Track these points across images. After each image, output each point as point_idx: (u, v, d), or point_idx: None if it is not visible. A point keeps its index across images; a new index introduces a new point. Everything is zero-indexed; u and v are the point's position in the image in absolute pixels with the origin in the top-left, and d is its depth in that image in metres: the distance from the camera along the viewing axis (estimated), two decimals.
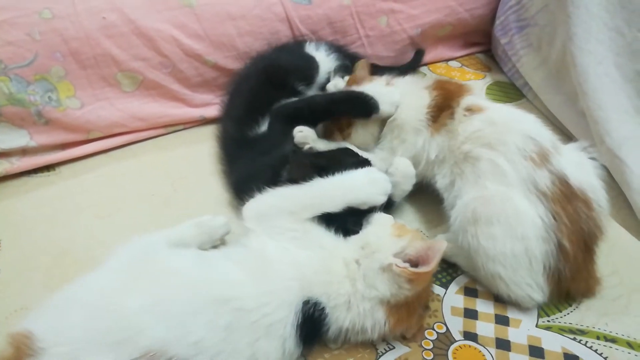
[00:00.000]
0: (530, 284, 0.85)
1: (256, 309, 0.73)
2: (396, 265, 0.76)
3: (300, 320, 0.75)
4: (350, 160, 0.93)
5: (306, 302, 0.76)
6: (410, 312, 0.80)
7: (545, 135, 0.91)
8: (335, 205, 0.84)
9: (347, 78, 1.16)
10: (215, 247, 0.95)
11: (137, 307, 0.69)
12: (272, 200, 0.84)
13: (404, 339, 0.84)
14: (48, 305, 0.72)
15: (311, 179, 0.85)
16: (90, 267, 0.85)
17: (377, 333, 0.79)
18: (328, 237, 0.82)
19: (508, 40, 1.37)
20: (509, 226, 0.83)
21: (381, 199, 0.86)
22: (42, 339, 0.66)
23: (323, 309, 0.77)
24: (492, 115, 0.94)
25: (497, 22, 1.42)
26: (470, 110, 0.95)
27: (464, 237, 0.87)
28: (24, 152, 1.14)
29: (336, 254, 0.81)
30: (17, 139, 1.12)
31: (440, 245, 0.76)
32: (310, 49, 1.23)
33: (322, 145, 1.05)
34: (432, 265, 0.75)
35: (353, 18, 1.34)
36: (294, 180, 0.86)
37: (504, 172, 0.86)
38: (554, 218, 0.82)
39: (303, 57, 1.20)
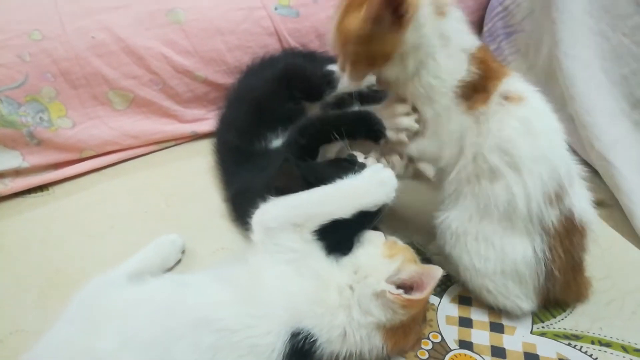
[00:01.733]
0: (519, 296, 0.85)
1: (240, 330, 0.71)
2: (389, 292, 0.75)
3: (287, 350, 0.73)
4: (345, 173, 0.85)
5: (296, 334, 0.73)
6: (407, 332, 0.80)
7: (569, 164, 0.84)
8: (345, 211, 0.80)
9: None
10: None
11: (112, 348, 0.68)
12: (278, 211, 0.80)
13: (398, 354, 0.83)
14: None
15: (296, 190, 0.82)
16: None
17: (375, 356, 0.79)
18: (326, 265, 0.80)
19: (496, 47, 1.38)
20: (503, 252, 0.83)
21: (391, 197, 0.83)
22: None
23: (314, 341, 0.75)
24: (530, 117, 0.80)
25: (485, 29, 1.43)
26: (507, 98, 0.81)
27: (454, 250, 0.87)
28: (16, 173, 1.15)
29: (330, 281, 0.79)
30: (10, 160, 1.13)
31: (435, 273, 0.75)
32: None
33: None
34: (426, 293, 0.75)
35: None
36: (279, 189, 0.83)
37: (515, 206, 0.80)
38: (550, 250, 0.81)
39: (324, 68, 1.10)
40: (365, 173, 0.83)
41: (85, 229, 1.07)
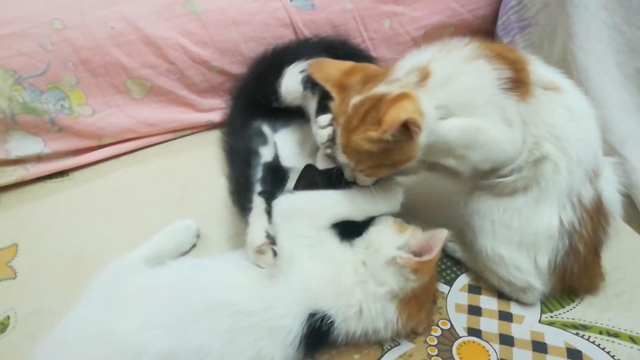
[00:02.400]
0: (531, 271, 0.86)
1: (258, 312, 0.74)
2: (399, 257, 0.78)
3: (305, 331, 0.76)
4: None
5: (313, 315, 0.77)
6: (420, 306, 0.82)
7: (601, 150, 0.86)
8: (358, 215, 0.85)
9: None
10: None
11: (134, 328, 0.71)
12: (297, 202, 0.84)
13: (415, 334, 0.85)
14: (38, 354, 0.72)
15: None
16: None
17: (390, 331, 0.81)
18: (340, 249, 0.83)
19: (510, 40, 1.38)
20: (526, 222, 0.84)
21: (397, 209, 0.87)
22: None
23: (332, 322, 0.78)
24: (571, 103, 0.82)
25: (499, 22, 1.43)
26: (546, 87, 0.81)
27: (476, 215, 0.87)
28: (38, 158, 1.18)
29: (345, 263, 0.82)
30: (32, 146, 1.16)
31: (441, 234, 0.78)
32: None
33: None
34: (434, 253, 0.77)
35: (356, 21, 1.36)
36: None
37: (557, 181, 0.81)
38: (579, 224, 0.83)
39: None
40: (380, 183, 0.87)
41: (104, 214, 1.10)
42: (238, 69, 1.28)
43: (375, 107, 0.76)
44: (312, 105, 0.96)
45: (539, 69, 0.83)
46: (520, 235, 0.84)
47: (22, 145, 1.15)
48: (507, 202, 0.84)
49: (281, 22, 1.28)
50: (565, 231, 0.83)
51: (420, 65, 0.80)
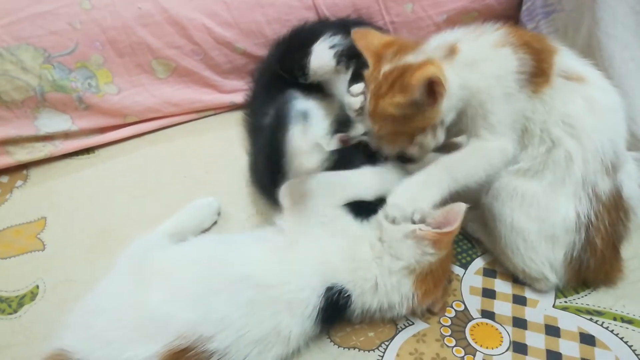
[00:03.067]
0: (545, 264, 0.86)
1: (277, 285, 0.76)
2: (419, 229, 0.79)
3: (323, 304, 0.78)
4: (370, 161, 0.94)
5: (330, 288, 0.79)
6: (436, 282, 0.83)
7: (624, 142, 0.87)
8: (368, 193, 0.88)
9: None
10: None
11: (159, 299, 0.74)
12: (310, 184, 0.86)
13: (431, 313, 0.87)
14: (71, 321, 0.75)
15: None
16: (126, 244, 0.91)
17: (405, 307, 0.83)
18: (355, 225, 0.85)
19: (534, 26, 1.36)
20: (545, 211, 0.84)
21: None
22: (77, 351, 0.70)
23: (349, 295, 0.80)
24: (594, 94, 0.83)
25: (524, 7, 1.41)
26: (569, 77, 0.83)
27: (496, 201, 0.88)
28: (66, 135, 1.22)
29: (362, 239, 0.84)
30: (61, 123, 1.19)
31: (459, 207, 0.79)
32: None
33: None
34: (455, 225, 0.78)
35: (379, 4, 1.35)
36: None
37: (572, 170, 0.82)
38: (596, 217, 0.83)
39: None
40: (389, 164, 0.91)
41: (129, 190, 1.13)
42: (261, 50, 1.29)
43: (402, 75, 0.81)
44: (342, 79, 1.03)
45: (566, 59, 0.85)
46: (539, 226, 0.85)
47: (51, 122, 1.18)
48: (525, 188, 0.85)
49: (304, 5, 1.29)
50: (582, 224, 0.83)
51: (449, 42, 0.85)
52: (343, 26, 1.15)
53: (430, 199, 0.82)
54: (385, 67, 0.84)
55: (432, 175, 0.84)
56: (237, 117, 1.30)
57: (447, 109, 0.83)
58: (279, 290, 0.76)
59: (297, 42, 1.13)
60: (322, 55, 1.02)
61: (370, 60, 0.88)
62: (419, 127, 0.85)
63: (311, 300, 0.77)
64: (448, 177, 0.84)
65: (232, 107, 1.34)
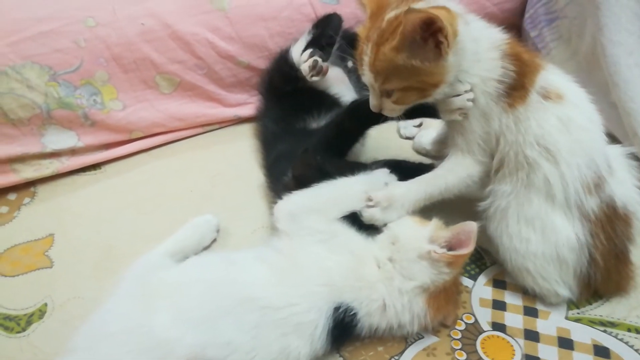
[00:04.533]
0: (558, 281, 0.85)
1: (284, 307, 0.75)
2: (434, 251, 0.78)
3: (331, 326, 0.77)
4: (358, 171, 0.93)
5: (337, 308, 0.78)
6: (448, 298, 0.83)
7: (607, 155, 0.86)
8: (360, 204, 0.87)
9: None
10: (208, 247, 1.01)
11: (164, 323, 0.73)
12: (300, 200, 0.86)
13: (444, 326, 0.86)
14: (75, 345, 0.75)
15: (313, 180, 0.87)
16: (134, 260, 0.91)
17: (417, 326, 0.82)
18: (358, 240, 0.84)
19: (538, 33, 1.36)
20: (544, 234, 0.84)
21: None
22: None
23: (355, 314, 0.79)
24: (570, 114, 0.82)
25: (527, 15, 1.41)
26: (547, 96, 0.82)
27: (495, 231, 0.88)
28: (72, 152, 1.22)
29: (367, 257, 0.83)
30: (67, 140, 1.20)
31: (471, 227, 0.78)
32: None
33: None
34: (471, 247, 0.78)
35: None
36: (296, 177, 0.90)
37: (554, 194, 0.82)
38: (591, 236, 0.83)
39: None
40: (376, 172, 0.91)
41: (135, 206, 1.13)
42: (265, 64, 1.30)
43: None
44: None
45: (551, 76, 0.84)
46: (543, 249, 0.84)
47: (57, 139, 1.19)
48: (520, 214, 0.84)
49: (307, 18, 1.30)
50: (582, 243, 0.83)
51: (463, 13, 0.81)
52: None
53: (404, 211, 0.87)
54: (390, 14, 0.78)
55: (411, 191, 0.88)
56: (242, 130, 1.30)
57: (457, 62, 0.78)
58: (286, 313, 0.75)
59: (278, 61, 1.21)
60: (300, 46, 1.12)
61: (369, 7, 0.82)
62: (429, 83, 0.79)
63: (320, 322, 0.76)
64: (424, 194, 0.88)
65: (237, 121, 1.34)
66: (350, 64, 1.22)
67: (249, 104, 1.33)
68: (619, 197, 0.84)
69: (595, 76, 1.17)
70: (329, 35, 1.13)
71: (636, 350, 0.82)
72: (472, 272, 0.95)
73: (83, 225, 1.09)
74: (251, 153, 1.23)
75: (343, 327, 0.78)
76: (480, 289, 0.93)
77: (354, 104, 1.03)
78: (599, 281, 0.86)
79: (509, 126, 0.83)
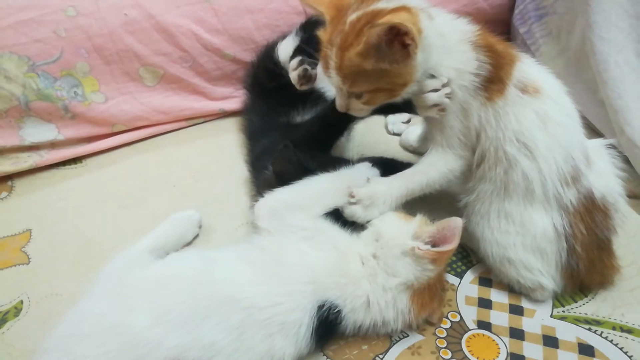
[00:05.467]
0: (542, 272, 0.85)
1: (268, 307, 0.73)
2: (418, 248, 0.77)
3: (315, 324, 0.75)
4: (339, 165, 0.92)
5: (321, 306, 0.76)
6: (432, 295, 0.81)
7: (584, 148, 0.86)
8: (343, 199, 0.85)
9: None
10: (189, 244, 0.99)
11: (144, 324, 0.70)
12: (282, 197, 0.85)
13: (429, 324, 0.85)
14: (49, 346, 0.71)
15: (293, 175, 0.86)
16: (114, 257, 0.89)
17: (401, 323, 0.80)
18: (341, 236, 0.83)
19: (527, 30, 1.36)
20: (523, 226, 0.84)
21: None
22: None
23: (339, 311, 0.77)
24: (548, 110, 0.82)
25: (516, 11, 1.41)
26: (525, 90, 0.81)
27: (477, 227, 0.88)
28: (52, 145, 1.19)
29: (351, 253, 0.81)
30: (46, 132, 1.17)
31: (455, 223, 0.77)
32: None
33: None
34: (455, 243, 0.76)
35: None
36: (276, 173, 0.89)
37: (532, 189, 0.82)
38: (571, 227, 0.83)
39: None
40: (358, 167, 0.90)
41: (116, 201, 1.10)
42: (250, 56, 1.28)
43: (371, 21, 0.74)
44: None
45: (527, 68, 0.83)
46: (522, 239, 0.84)
47: (36, 132, 1.16)
48: (499, 209, 0.85)
49: (294, 10, 1.28)
50: (561, 234, 0.83)
51: (427, 7, 0.80)
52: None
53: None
54: (352, 16, 0.77)
55: (392, 187, 0.87)
56: (228, 124, 1.28)
57: (424, 59, 0.77)
58: (270, 313, 0.73)
59: (263, 58, 1.18)
60: (287, 46, 1.09)
61: (327, 15, 0.80)
62: (398, 84, 0.79)
63: (304, 320, 0.75)
64: (405, 190, 0.87)
65: (222, 115, 1.32)
66: None
67: (235, 97, 1.30)
68: (598, 188, 0.84)
69: (584, 73, 1.17)
70: (317, 41, 1.10)
71: (620, 349, 0.81)
72: (459, 270, 0.94)
73: (62, 221, 1.07)
74: (236, 148, 1.21)
75: (327, 325, 0.77)
76: (466, 287, 0.92)
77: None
78: (583, 272, 0.85)
79: (489, 121, 0.82)
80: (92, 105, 1.19)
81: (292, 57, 1.04)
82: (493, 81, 0.80)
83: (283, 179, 0.86)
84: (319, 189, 0.86)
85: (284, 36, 1.17)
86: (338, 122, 1.00)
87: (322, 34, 0.81)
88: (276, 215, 0.83)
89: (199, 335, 0.70)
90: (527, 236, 0.84)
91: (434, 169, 0.87)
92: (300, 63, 1.01)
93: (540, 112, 0.81)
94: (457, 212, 0.87)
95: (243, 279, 0.76)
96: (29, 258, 0.99)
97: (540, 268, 0.85)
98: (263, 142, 1.07)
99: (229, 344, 0.71)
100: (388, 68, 0.75)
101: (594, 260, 0.85)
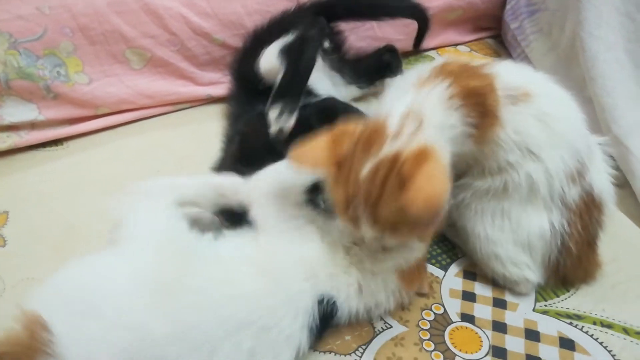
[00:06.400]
0: (529, 266, 0.85)
1: (275, 324, 0.70)
2: None
3: (316, 322, 0.74)
4: None
5: (320, 301, 0.74)
6: (419, 267, 0.81)
7: (589, 139, 0.85)
8: None
9: None
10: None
11: (163, 336, 0.63)
12: (270, 180, 0.81)
13: (420, 295, 0.86)
14: (59, 286, 0.67)
15: (258, 141, 0.85)
16: (96, 242, 0.87)
17: (393, 301, 0.80)
18: (328, 224, 0.80)
19: (518, 25, 1.36)
20: (519, 224, 0.83)
21: None
22: (61, 342, 0.61)
23: (334, 302, 0.76)
24: (544, 108, 0.79)
25: (508, 6, 1.41)
26: (515, 100, 0.78)
27: (469, 222, 0.87)
28: (32, 125, 1.15)
29: (336, 242, 0.79)
30: (26, 112, 1.13)
31: None
32: None
33: None
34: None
35: None
36: (244, 133, 0.90)
37: (537, 189, 0.80)
38: (568, 224, 0.82)
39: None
40: None
41: (99, 185, 1.08)
42: (240, 42, 1.25)
43: (392, 169, 0.67)
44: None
45: (506, 78, 0.79)
46: (514, 236, 0.84)
47: (16, 112, 1.12)
48: (495, 206, 0.84)
49: None
50: (557, 232, 0.82)
51: (411, 109, 0.73)
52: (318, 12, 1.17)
53: None
54: (364, 169, 0.68)
55: None
56: (214, 110, 1.26)
57: None
58: (277, 330, 0.70)
59: (253, 46, 1.14)
60: (270, 58, 1.03)
61: (330, 172, 0.72)
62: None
63: (306, 322, 0.73)
64: None
65: (209, 100, 1.29)
66: (327, 44, 1.18)
67: (223, 83, 1.28)
68: (596, 184, 0.84)
69: (573, 70, 1.17)
70: (299, 80, 1.02)
71: (600, 343, 0.82)
72: (443, 263, 0.94)
73: (40, 204, 1.04)
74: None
75: (325, 319, 0.75)
76: (451, 280, 0.92)
77: (323, 105, 1.01)
78: (568, 268, 0.86)
79: (486, 151, 0.80)
80: (76, 86, 1.16)
81: (271, 104, 0.98)
82: (484, 116, 0.77)
83: (246, 149, 0.84)
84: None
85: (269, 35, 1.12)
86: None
87: (335, 194, 0.73)
88: (271, 199, 0.79)
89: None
90: (521, 233, 0.83)
91: None
92: (280, 113, 0.95)
93: (538, 114, 0.78)
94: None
95: (253, 293, 0.71)
96: (5, 241, 0.97)
97: (528, 262, 0.85)
98: (238, 128, 1.06)
99: None
100: None
101: (582, 257, 0.86)
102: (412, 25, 1.39)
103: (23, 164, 1.12)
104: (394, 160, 0.67)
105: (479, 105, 0.76)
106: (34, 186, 1.08)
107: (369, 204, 0.68)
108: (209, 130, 1.20)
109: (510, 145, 0.79)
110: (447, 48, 1.49)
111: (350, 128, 0.73)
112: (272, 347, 0.70)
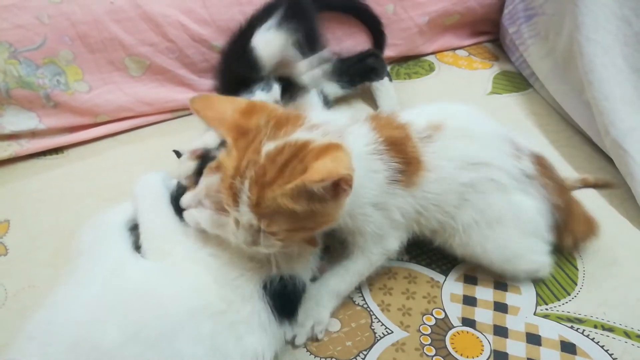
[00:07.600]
0: (542, 244, 0.88)
1: (228, 308, 0.72)
2: None
3: (271, 304, 0.75)
4: None
5: (265, 286, 0.75)
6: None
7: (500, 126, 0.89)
8: None
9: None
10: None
11: (118, 340, 0.65)
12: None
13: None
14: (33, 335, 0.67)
15: None
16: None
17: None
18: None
19: (516, 30, 1.36)
20: (517, 217, 0.85)
21: None
22: None
23: (281, 277, 0.76)
24: (459, 125, 0.83)
25: (506, 11, 1.41)
26: (430, 137, 0.80)
27: (476, 246, 0.87)
28: (33, 134, 1.16)
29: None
30: (26, 121, 1.14)
31: None
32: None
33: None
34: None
35: None
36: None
37: (503, 183, 0.83)
38: (545, 187, 0.86)
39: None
40: None
41: (99, 193, 1.08)
42: None
43: (296, 156, 0.65)
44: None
45: (417, 119, 0.82)
46: (518, 229, 0.86)
47: (17, 120, 1.13)
48: (489, 220, 0.84)
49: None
50: (543, 198, 0.86)
51: (338, 126, 0.73)
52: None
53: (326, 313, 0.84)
54: (268, 145, 0.66)
55: (322, 296, 0.85)
56: None
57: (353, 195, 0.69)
58: (231, 314, 0.72)
59: (239, 41, 1.13)
60: (267, 37, 1.04)
61: (228, 138, 0.68)
62: (323, 222, 0.70)
63: (259, 306, 0.74)
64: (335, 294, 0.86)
65: None
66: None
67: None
68: (530, 147, 0.89)
69: (571, 74, 1.18)
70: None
71: (602, 347, 0.82)
72: (444, 267, 0.94)
73: (42, 212, 1.04)
74: None
75: (282, 296, 0.76)
76: (452, 285, 0.92)
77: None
78: (568, 222, 0.89)
79: (426, 197, 0.81)
80: (75, 94, 1.16)
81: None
82: (408, 165, 0.78)
83: None
84: None
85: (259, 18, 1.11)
86: None
87: (226, 159, 0.69)
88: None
89: (176, 351, 0.66)
90: (521, 222, 0.86)
91: (368, 266, 0.87)
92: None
93: (455, 134, 0.82)
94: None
95: (201, 284, 0.74)
96: (7, 249, 0.97)
97: (540, 243, 0.88)
98: None
99: (205, 354, 0.68)
100: (319, 209, 0.66)
101: (572, 212, 0.90)
102: (408, 30, 1.40)
103: (24, 173, 1.13)
104: (302, 147, 0.65)
105: (401, 155, 0.78)
106: (35, 194, 1.08)
107: (259, 183, 0.65)
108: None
109: (455, 174, 0.81)
110: (446, 53, 1.50)
111: (269, 106, 0.71)
112: (232, 330, 0.71)
